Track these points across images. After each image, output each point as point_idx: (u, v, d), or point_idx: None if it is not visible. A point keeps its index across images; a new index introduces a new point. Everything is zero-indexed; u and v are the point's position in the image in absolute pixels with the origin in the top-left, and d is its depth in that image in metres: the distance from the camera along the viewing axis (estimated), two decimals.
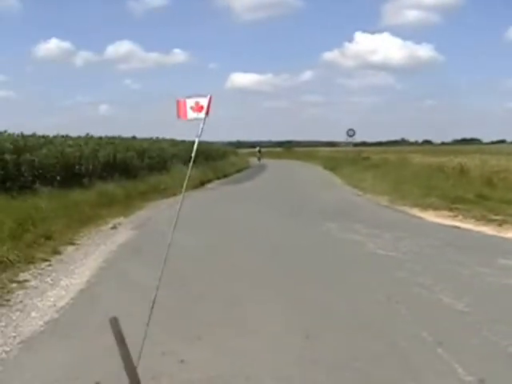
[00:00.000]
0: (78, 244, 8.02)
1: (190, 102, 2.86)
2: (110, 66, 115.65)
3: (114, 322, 2.30)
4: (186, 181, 3.02)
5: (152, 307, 2.80)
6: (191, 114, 2.86)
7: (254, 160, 44.28)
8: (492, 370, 3.55)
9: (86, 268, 6.52)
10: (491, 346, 3.97)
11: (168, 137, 26.03)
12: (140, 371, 2.57)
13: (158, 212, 11.69)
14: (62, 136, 16.36)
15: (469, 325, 4.45)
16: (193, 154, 2.88)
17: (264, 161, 44.77)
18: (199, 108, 2.84)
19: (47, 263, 6.69)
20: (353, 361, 3.69)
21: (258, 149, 49.05)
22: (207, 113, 2.85)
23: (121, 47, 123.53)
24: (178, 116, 2.91)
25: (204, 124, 2.87)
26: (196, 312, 4.81)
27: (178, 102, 2.91)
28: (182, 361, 3.67)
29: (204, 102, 2.84)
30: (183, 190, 3.02)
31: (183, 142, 24.83)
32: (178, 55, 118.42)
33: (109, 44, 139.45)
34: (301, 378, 3.45)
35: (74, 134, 17.34)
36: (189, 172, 3.07)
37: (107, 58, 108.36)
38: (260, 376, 3.47)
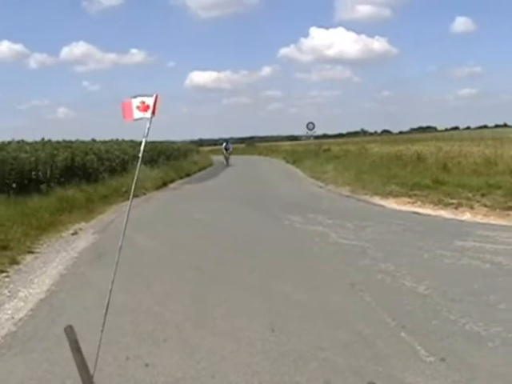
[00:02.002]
0: (37, 252, 7.78)
1: (136, 102, 2.79)
2: (66, 68, 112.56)
3: (70, 331, 2.22)
4: (133, 183, 2.94)
5: (106, 312, 2.73)
6: (137, 114, 2.79)
7: (218, 158, 35.56)
8: (452, 348, 3.64)
9: (46, 276, 6.33)
10: (451, 326, 4.06)
11: (128, 138, 25.67)
12: (104, 378, 2.50)
13: (119, 215, 11.47)
14: (18, 141, 15.88)
15: (429, 306, 4.55)
16: (140, 155, 2.80)
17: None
18: (145, 107, 2.77)
19: (4, 274, 6.44)
20: (319, 351, 3.71)
21: (224, 145, 32.89)
22: (153, 112, 2.79)
23: (76, 48, 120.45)
24: (124, 117, 2.84)
25: (150, 124, 2.80)
26: (160, 314, 4.72)
27: (122, 103, 2.84)
28: (146, 365, 3.60)
29: (150, 101, 2.78)
30: (131, 192, 2.95)
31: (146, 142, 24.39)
32: (136, 55, 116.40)
33: (64, 45, 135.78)
34: (268, 373, 3.42)
35: (32, 138, 16.88)
36: (137, 173, 2.99)
37: (63, 60, 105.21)
38: (226, 373, 3.44)
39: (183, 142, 42.70)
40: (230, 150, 32.82)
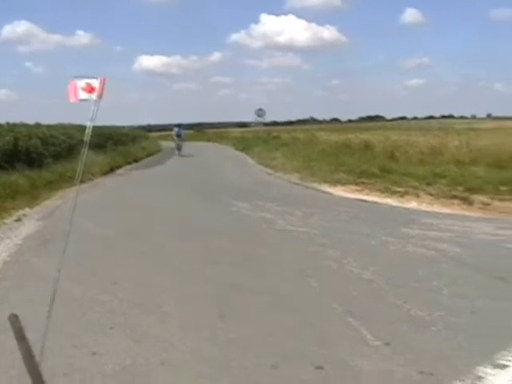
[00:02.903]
0: None
1: (81, 83, 2.68)
2: (7, 48, 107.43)
3: (14, 319, 2.12)
4: (80, 168, 2.83)
5: (52, 300, 2.63)
6: (82, 95, 2.68)
7: (167, 144, 34.11)
8: (397, 332, 3.74)
9: None
10: (396, 310, 4.18)
11: (78, 123, 24.91)
12: (50, 368, 2.41)
13: (65, 201, 11.13)
14: None
15: (375, 292, 4.66)
16: (86, 138, 2.69)
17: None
18: (90, 89, 2.66)
19: None
20: (267, 336, 3.73)
21: (175, 131, 27.74)
22: (100, 96, 2.68)
23: (19, 28, 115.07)
24: (69, 97, 2.72)
25: (97, 107, 2.69)
26: (107, 301, 4.61)
27: (68, 85, 2.72)
28: (93, 353, 3.52)
29: (96, 83, 2.67)
30: (78, 178, 2.83)
31: (92, 127, 23.76)
32: (82, 37, 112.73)
33: (5, 24, 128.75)
34: (216, 359, 3.41)
35: None
36: (83, 158, 2.87)
37: (4, 39, 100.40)
38: (175, 360, 3.41)
39: (131, 128, 41.77)
40: (183, 136, 27.55)
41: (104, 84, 2.72)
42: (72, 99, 2.73)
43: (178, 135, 27.34)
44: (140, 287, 5.01)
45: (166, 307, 4.43)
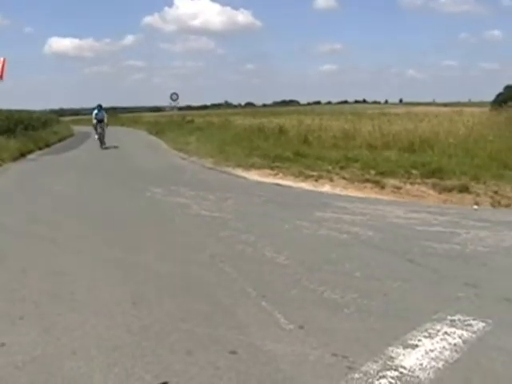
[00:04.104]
0: None
1: None
2: None
3: None
4: None
5: None
6: None
7: (79, 128, 34.01)
8: (310, 316, 3.80)
9: None
10: (309, 294, 4.24)
11: None
12: None
13: None
14: None
15: (289, 276, 4.69)
16: None
17: (88, 129, 28.16)
18: None
19: None
20: (180, 322, 3.70)
21: (95, 113, 21.05)
22: (0, 76, 2.42)
23: None
24: None
25: None
26: (16, 290, 4.45)
27: None
28: (2, 344, 3.41)
29: None
30: None
31: (1, 110, 22.54)
32: None
33: None
34: (129, 346, 3.35)
35: None
36: None
37: None
38: (87, 348, 3.33)
39: (43, 112, 40.27)
40: (105, 121, 20.98)
41: (4, 65, 2.46)
42: None
43: (99, 120, 20.68)
44: (50, 275, 4.87)
45: (77, 294, 4.34)
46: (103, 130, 20.80)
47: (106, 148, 20.46)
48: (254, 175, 11.72)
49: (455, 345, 3.30)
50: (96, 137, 21.03)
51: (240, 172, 12.27)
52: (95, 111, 20.96)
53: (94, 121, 20.79)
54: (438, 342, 3.32)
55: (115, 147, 20.65)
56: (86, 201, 9.21)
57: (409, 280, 4.57)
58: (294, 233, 6.37)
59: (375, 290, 4.33)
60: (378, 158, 11.44)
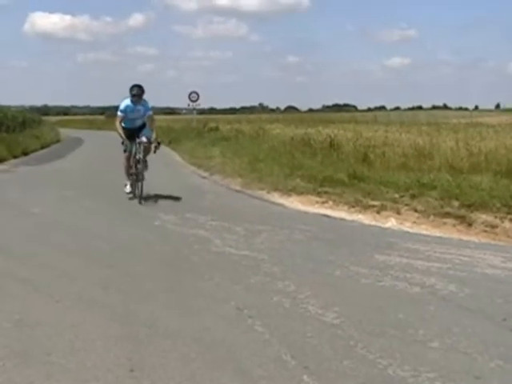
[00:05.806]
0: None
1: None
2: None
3: None
4: None
5: None
6: None
7: (69, 132, 36.44)
8: None
9: None
10: (367, 367, 4.12)
11: None
12: None
13: None
14: None
15: (341, 341, 4.61)
16: None
17: (80, 134, 36.58)
18: None
19: None
20: None
21: (126, 104, 11.74)
22: None
23: None
24: None
25: None
26: None
27: None
28: None
29: None
30: None
31: None
32: None
33: None
34: None
35: None
36: None
37: None
38: None
39: (21, 108, 41.10)
40: (150, 126, 12.13)
41: None
42: None
43: (137, 127, 12.14)
44: (22, 327, 4.84)
45: (59, 354, 4.30)
46: (145, 154, 12.15)
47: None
48: (295, 202, 11.72)
49: None
50: (127, 183, 12.51)
51: (277, 198, 12.30)
52: (125, 101, 11.87)
53: (122, 125, 12.03)
54: None
55: (113, 157, 20.89)
56: (72, 226, 9.33)
57: (510, 358, 4.38)
58: (348, 282, 6.31)
59: (461, 369, 4.16)
60: (463, 184, 11.20)
